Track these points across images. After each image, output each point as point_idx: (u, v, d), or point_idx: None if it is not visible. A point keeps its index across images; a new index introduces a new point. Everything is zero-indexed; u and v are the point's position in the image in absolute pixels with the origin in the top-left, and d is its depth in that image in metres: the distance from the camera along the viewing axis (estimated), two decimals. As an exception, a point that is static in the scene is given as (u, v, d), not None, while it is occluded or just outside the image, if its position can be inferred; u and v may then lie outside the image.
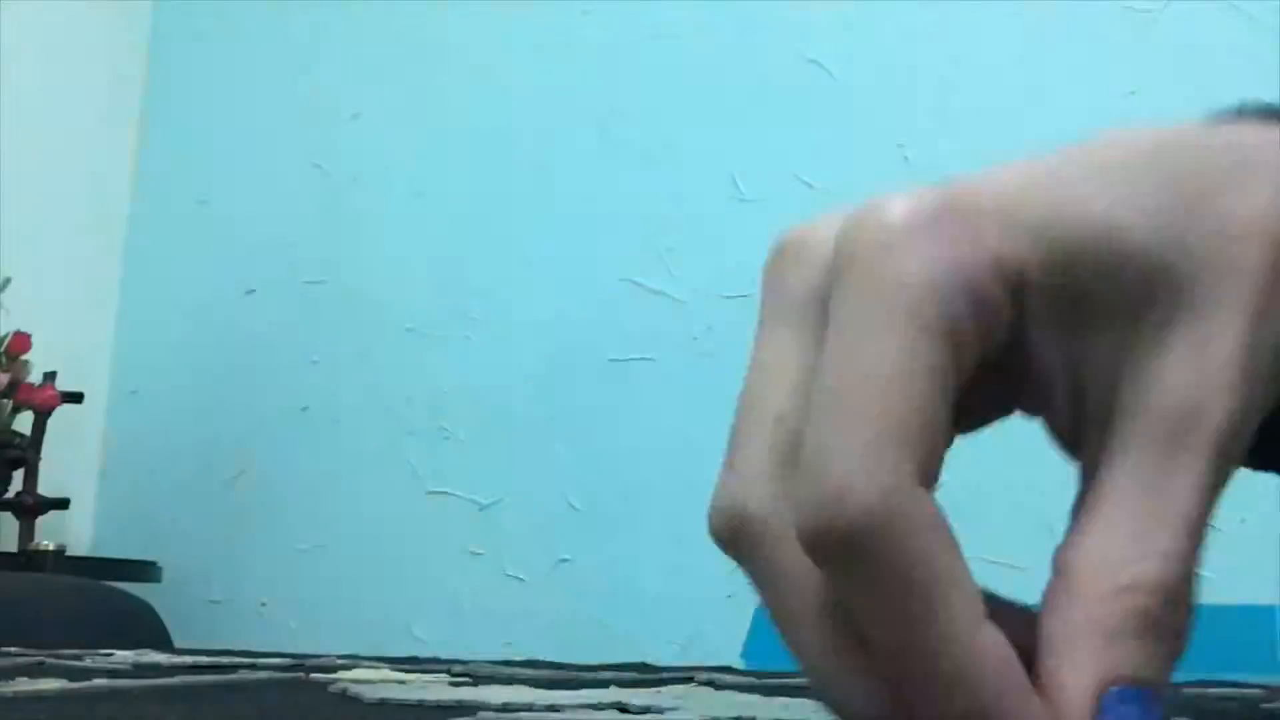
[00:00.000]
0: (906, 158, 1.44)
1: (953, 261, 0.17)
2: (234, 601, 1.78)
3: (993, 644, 0.16)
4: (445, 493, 1.66)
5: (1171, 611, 0.17)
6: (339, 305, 1.78)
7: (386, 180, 1.77)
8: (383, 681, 0.46)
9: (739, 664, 0.98)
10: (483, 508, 1.64)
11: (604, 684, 0.46)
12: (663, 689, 0.43)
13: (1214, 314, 0.18)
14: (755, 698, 0.42)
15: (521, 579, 1.60)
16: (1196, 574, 0.17)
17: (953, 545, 0.17)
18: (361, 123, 1.80)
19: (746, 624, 1.25)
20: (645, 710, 0.36)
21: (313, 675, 0.53)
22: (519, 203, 1.67)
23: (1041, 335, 0.18)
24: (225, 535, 1.81)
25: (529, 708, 0.36)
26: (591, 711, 0.35)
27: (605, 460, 1.55)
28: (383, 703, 0.37)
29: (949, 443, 0.17)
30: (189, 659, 0.59)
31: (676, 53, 1.59)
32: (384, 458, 1.70)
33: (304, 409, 1.78)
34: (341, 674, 0.50)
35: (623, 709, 0.36)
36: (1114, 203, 0.18)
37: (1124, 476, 0.17)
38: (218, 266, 1.88)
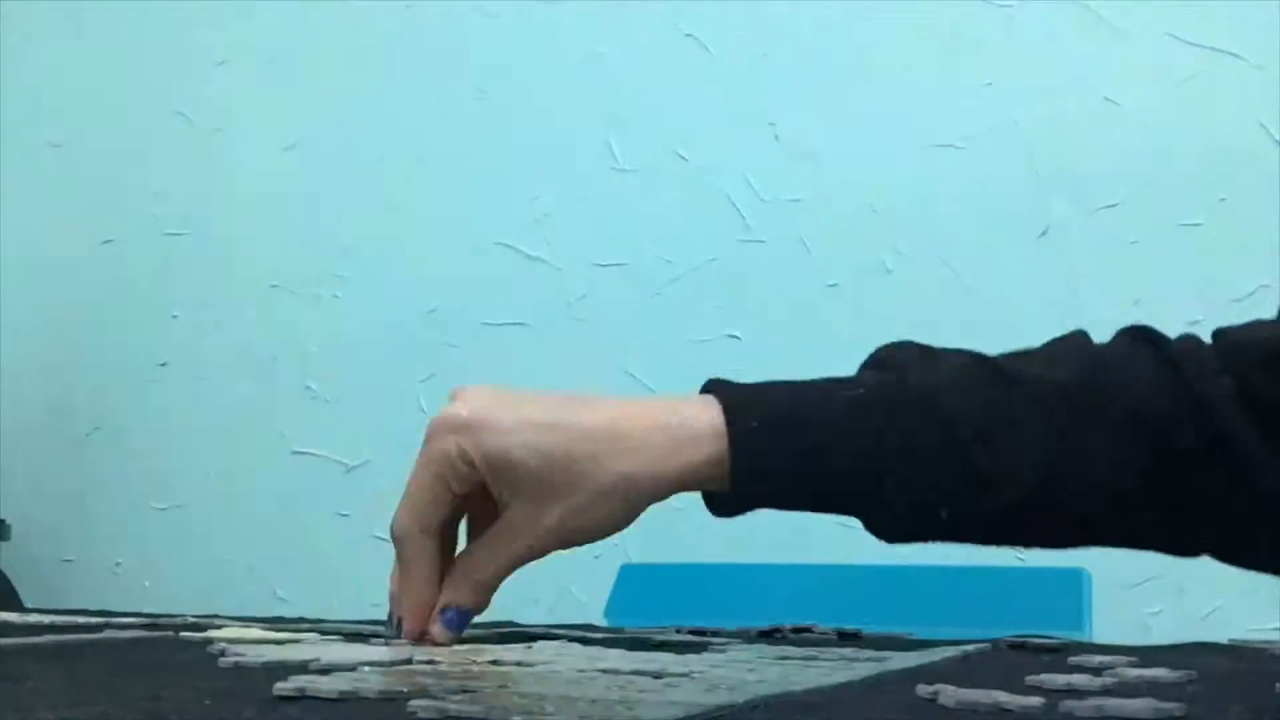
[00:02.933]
0: (777, 136, 1.49)
1: (442, 449, 0.47)
2: (86, 561, 1.73)
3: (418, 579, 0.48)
4: (312, 453, 1.65)
5: (473, 590, 0.48)
6: (202, 258, 1.73)
7: (254, 131, 1.72)
8: (258, 641, 0.47)
9: (603, 622, 1.01)
10: (350, 469, 1.63)
11: (479, 640, 0.48)
12: (534, 645, 0.45)
13: (536, 513, 0.46)
14: (619, 651, 0.45)
15: (389, 541, 1.60)
16: (490, 582, 0.48)
17: (423, 547, 0.48)
18: (228, 70, 1.74)
19: (610, 585, 1.28)
20: (519, 664, 0.38)
21: (182, 634, 0.53)
22: (393, 161, 1.65)
23: (492, 488, 0.47)
24: (78, 493, 1.75)
25: (408, 661, 0.38)
26: (467, 666, 0.37)
27: (475, 423, 1.56)
28: (262, 658, 0.39)
29: (447, 510, 0.48)
30: (45, 619, 0.59)
31: (556, 17, 1.59)
32: (248, 417, 1.67)
33: (163, 364, 1.73)
34: (213, 633, 0.51)
35: (496, 663, 0.39)
36: (529, 448, 0.45)
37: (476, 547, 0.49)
38: (73, 214, 1.80)
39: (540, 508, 0.44)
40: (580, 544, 0.46)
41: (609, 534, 0.46)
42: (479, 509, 0.48)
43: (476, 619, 0.50)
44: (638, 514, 0.45)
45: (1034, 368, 0.44)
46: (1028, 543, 0.48)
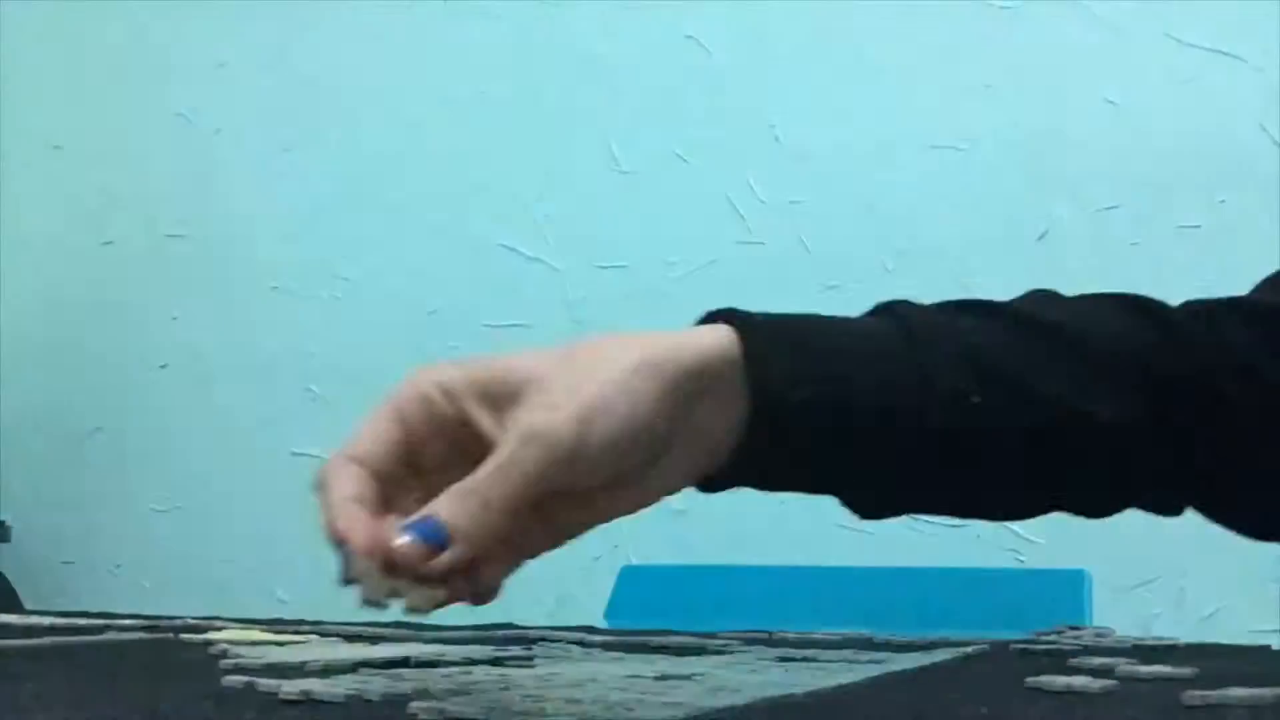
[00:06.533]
0: (777, 138, 1.49)
1: (414, 381, 0.37)
2: (86, 563, 1.73)
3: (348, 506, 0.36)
4: (311, 454, 1.65)
5: (463, 498, 0.35)
6: (201, 260, 1.73)
7: (253, 133, 1.72)
8: (258, 643, 0.47)
9: (603, 624, 1.01)
10: (350, 470, 1.63)
11: (480, 641, 0.48)
12: (534, 646, 0.45)
13: (539, 401, 0.36)
14: (620, 653, 0.45)
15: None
16: (490, 498, 0.35)
17: (347, 475, 0.36)
18: (227, 72, 1.74)
19: (610, 586, 1.28)
20: (519, 665, 0.38)
21: (183, 636, 0.53)
22: (393, 162, 1.65)
23: (477, 414, 0.36)
24: (78, 495, 1.75)
25: (405, 662, 0.38)
26: (469, 666, 0.37)
27: (476, 425, 1.56)
28: (262, 660, 0.39)
29: (388, 448, 0.37)
30: (45, 621, 0.59)
31: (557, 18, 1.59)
32: (248, 418, 1.67)
33: (163, 366, 1.73)
34: (213, 634, 0.51)
35: (496, 662, 0.39)
36: (518, 358, 0.37)
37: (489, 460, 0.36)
38: (73, 215, 1.80)
39: (553, 408, 0.35)
40: (594, 443, 0.35)
41: (639, 424, 0.36)
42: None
43: (479, 619, 0.48)
44: (666, 403, 0.37)
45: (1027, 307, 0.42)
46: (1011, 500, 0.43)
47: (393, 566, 0.33)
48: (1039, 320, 0.41)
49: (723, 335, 0.38)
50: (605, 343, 0.38)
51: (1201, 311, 0.44)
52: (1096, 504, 0.43)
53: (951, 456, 0.40)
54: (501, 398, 0.36)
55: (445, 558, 0.34)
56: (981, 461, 0.40)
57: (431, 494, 0.35)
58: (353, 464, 0.36)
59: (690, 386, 0.37)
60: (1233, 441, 0.42)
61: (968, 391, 0.39)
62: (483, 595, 0.35)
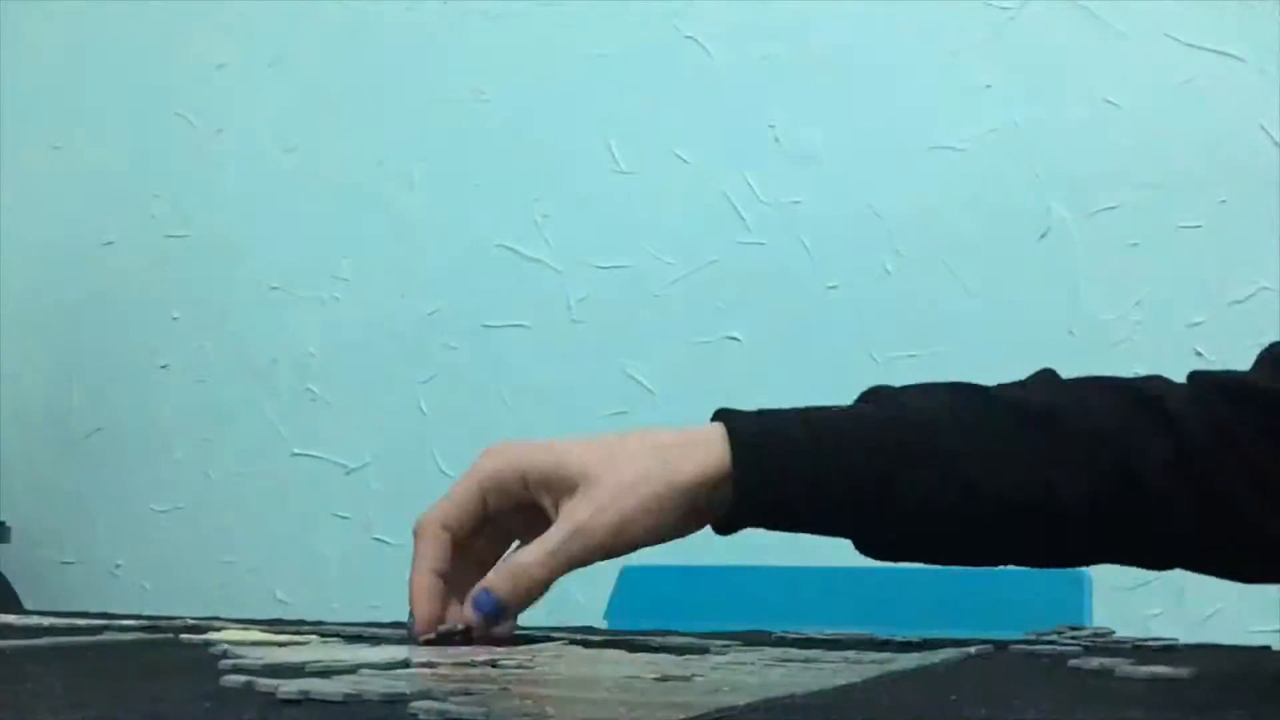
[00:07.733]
0: (777, 139, 1.49)
1: (495, 465, 0.52)
2: (86, 563, 1.73)
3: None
4: (311, 455, 1.65)
5: (509, 576, 0.49)
6: (201, 260, 1.73)
7: (253, 134, 1.72)
8: (258, 643, 0.47)
9: (603, 625, 1.01)
10: (349, 471, 1.63)
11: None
12: (534, 647, 0.45)
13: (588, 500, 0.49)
14: (620, 654, 0.45)
15: (389, 543, 1.60)
16: (527, 571, 0.49)
17: (436, 538, 0.51)
18: (228, 73, 1.74)
19: (610, 587, 1.28)
20: (519, 666, 0.38)
21: (182, 636, 0.53)
22: (392, 162, 1.65)
23: (543, 500, 0.51)
24: (78, 495, 1.75)
25: (405, 663, 0.38)
26: (467, 668, 0.38)
27: (476, 425, 1.56)
28: (262, 660, 0.39)
29: (473, 518, 0.51)
30: (45, 621, 0.59)
31: (556, 18, 1.59)
32: (247, 418, 1.67)
33: (163, 366, 1.73)
34: (213, 635, 0.51)
35: (496, 665, 0.39)
36: (574, 452, 0.50)
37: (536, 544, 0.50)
38: (73, 215, 1.80)
39: (582, 504, 0.48)
40: (621, 545, 0.49)
41: (648, 534, 0.49)
42: (527, 532, 0.51)
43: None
44: (683, 516, 0.49)
45: (1010, 392, 0.53)
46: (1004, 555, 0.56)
47: (446, 636, 0.46)
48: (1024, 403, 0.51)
49: (722, 452, 0.50)
50: (639, 452, 0.49)
51: (1201, 397, 0.52)
52: (1071, 560, 0.60)
53: (924, 544, 0.54)
54: (558, 485, 0.49)
55: (499, 630, 0.48)
56: (947, 542, 0.54)
57: (494, 545, 0.50)
58: (443, 531, 0.50)
59: (703, 498, 0.50)
60: (1215, 516, 0.52)
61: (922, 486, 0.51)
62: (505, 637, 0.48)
